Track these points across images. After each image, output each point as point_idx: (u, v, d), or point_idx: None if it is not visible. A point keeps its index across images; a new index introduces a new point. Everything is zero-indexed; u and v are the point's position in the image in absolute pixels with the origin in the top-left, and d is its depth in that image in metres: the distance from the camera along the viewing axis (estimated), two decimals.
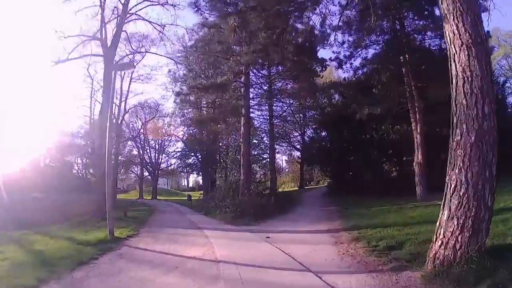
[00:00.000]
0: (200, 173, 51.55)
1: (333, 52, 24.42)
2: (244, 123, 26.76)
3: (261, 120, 37.62)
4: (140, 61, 39.81)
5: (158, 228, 18.35)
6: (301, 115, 45.83)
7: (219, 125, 31.16)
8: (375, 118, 23.81)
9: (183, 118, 44.62)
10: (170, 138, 57.41)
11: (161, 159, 64.55)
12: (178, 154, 54.58)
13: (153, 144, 63.55)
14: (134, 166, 68.91)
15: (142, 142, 63.46)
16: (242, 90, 27.64)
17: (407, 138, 23.35)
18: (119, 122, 38.63)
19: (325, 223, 16.05)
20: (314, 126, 42.25)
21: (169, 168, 67.25)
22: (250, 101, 28.68)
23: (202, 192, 39.48)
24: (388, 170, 30.35)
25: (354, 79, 24.88)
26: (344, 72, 27.26)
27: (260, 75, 33.41)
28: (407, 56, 21.58)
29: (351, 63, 23.87)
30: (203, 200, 33.32)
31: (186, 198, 44.24)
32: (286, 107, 39.04)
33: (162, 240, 13.97)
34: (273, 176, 34.91)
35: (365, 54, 23.59)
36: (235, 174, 28.77)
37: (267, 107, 34.91)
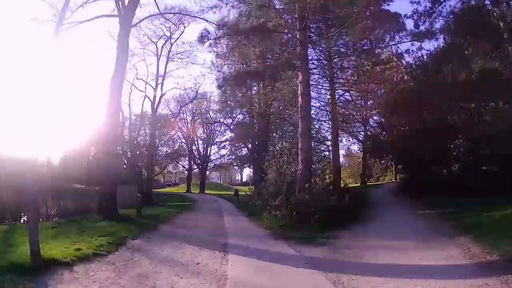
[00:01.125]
0: (252, 166, 44.38)
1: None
2: (302, 93, 18.98)
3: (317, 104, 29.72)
4: (176, 37, 33.41)
5: (160, 240, 11.14)
6: (362, 102, 36.93)
7: (268, 90, 23.62)
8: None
9: (229, 103, 37.60)
10: (218, 126, 50.96)
11: (210, 151, 58.55)
12: (228, 143, 47.76)
13: (201, 135, 57.76)
14: (182, 158, 63.74)
15: (189, 133, 58.06)
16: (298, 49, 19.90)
17: None
18: (155, 106, 32.52)
19: (445, 245, 9.29)
20: (379, 111, 33.06)
21: (219, 160, 61.00)
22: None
23: (250, 187, 32.20)
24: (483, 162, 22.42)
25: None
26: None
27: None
28: None
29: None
30: (250, 196, 25.98)
31: (233, 193, 37.22)
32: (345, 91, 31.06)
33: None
34: (337, 167, 26.92)
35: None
36: (291, 163, 20.96)
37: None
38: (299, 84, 19.90)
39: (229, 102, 32.76)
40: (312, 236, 11.39)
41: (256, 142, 37.14)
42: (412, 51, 23.16)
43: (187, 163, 62.08)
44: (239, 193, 33.49)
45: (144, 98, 33.48)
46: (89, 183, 42.20)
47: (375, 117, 37.63)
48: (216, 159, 59.98)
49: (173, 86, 38.10)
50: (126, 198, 21.82)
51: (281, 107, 33.58)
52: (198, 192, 55.50)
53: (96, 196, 17.94)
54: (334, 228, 12.53)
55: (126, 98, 32.58)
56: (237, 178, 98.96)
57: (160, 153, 63.33)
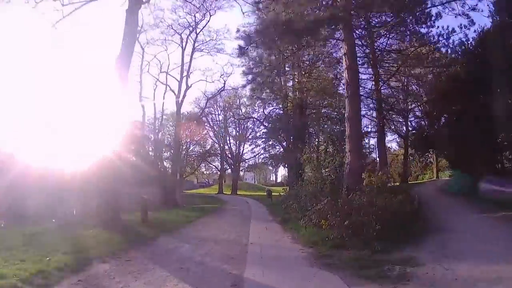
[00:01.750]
0: (286, 165, 40.05)
1: None
2: (347, 66, 14.71)
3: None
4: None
5: (141, 265, 7.04)
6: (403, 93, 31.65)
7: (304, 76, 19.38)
8: None
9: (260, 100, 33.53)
10: (250, 123, 46.98)
11: (242, 150, 54.85)
12: (261, 141, 43.58)
13: (232, 133, 54.16)
14: (214, 158, 60.52)
15: (220, 130, 54.67)
16: None
17: None
18: (179, 100, 28.96)
19: None
20: (425, 100, 27.85)
21: (253, 160, 57.12)
22: None
23: (285, 187, 27.90)
24: None
25: None
26: None
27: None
28: None
29: None
30: (285, 198, 21.74)
31: (266, 193, 33.07)
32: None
33: None
34: (383, 162, 22.58)
35: None
36: (334, 157, 16.51)
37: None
38: (343, 57, 15.67)
39: (259, 90, 28.68)
40: (377, 260, 7.14)
41: (292, 138, 32.93)
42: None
43: (219, 163, 58.80)
44: (273, 194, 29.50)
45: (165, 90, 30.15)
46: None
47: (417, 110, 32.49)
48: (250, 158, 56.25)
49: (199, 79, 31.11)
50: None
51: (317, 101, 29.26)
52: (230, 193, 52.01)
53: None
54: (403, 243, 8.40)
55: (150, 94, 29.54)
56: (271, 179, 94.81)
57: (192, 153, 60.69)
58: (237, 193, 51.98)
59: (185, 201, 33.82)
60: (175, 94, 29.14)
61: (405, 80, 29.66)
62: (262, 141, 41.35)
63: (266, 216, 18.27)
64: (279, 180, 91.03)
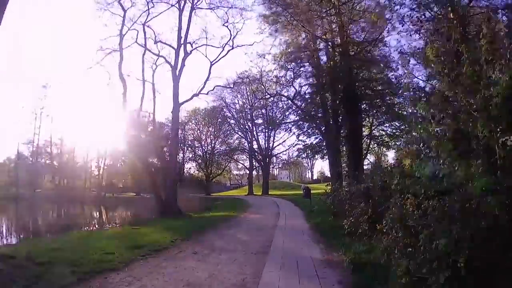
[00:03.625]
0: (327, 156, 30.81)
1: None
2: None
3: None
4: None
5: None
6: None
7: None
8: None
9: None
10: (277, 108, 38.04)
11: (272, 143, 46.28)
12: (293, 126, 34.39)
13: (262, 126, 45.75)
14: (242, 156, 52.65)
15: (245, 122, 46.54)
16: None
17: None
18: (177, 71, 20.67)
19: None
20: None
21: (285, 153, 48.31)
22: None
23: (328, 184, 18.72)
24: None
25: None
26: None
27: None
28: None
29: None
30: (331, 200, 12.85)
31: (302, 192, 23.99)
32: None
33: None
34: None
35: None
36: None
37: None
38: None
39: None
40: None
41: (331, 119, 24.06)
42: None
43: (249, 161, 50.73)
44: (312, 192, 20.79)
45: (155, 66, 21.86)
46: None
47: None
48: (281, 152, 47.61)
49: (202, 43, 20.65)
50: None
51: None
52: (260, 193, 43.70)
53: None
54: None
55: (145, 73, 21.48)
56: (307, 176, 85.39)
57: (217, 152, 53.12)
58: (269, 193, 43.55)
59: (196, 207, 26.04)
60: (171, 65, 21.13)
61: None
62: (294, 126, 32.28)
63: (302, 231, 10.10)
64: (315, 177, 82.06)
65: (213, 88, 22.78)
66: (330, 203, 11.58)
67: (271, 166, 56.68)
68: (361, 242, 6.51)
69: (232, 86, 25.05)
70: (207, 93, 22.50)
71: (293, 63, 21.69)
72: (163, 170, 21.32)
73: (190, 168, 60.54)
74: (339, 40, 16.93)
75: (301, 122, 29.93)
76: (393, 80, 19.62)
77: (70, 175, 57.08)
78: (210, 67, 21.70)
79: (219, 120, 49.64)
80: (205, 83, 21.51)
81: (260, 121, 44.57)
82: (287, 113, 31.10)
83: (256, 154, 46.85)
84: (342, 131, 24.24)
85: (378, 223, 4.76)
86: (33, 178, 50.14)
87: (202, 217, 16.54)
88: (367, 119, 22.54)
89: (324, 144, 29.87)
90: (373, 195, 7.29)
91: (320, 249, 7.45)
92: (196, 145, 55.50)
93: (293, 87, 25.01)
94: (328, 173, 77.82)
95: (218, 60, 21.81)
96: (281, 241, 8.48)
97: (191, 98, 21.47)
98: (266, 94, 26.87)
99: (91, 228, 16.58)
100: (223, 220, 14.18)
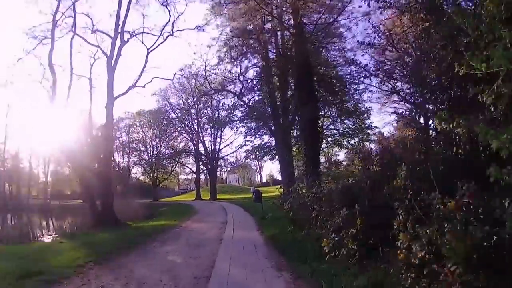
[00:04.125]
0: (277, 157, 29.18)
1: None
2: None
3: None
4: None
5: None
6: None
7: None
8: None
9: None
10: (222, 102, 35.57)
11: (219, 146, 43.91)
12: (240, 125, 32.28)
13: (207, 126, 43.22)
14: (188, 159, 49.75)
15: (193, 125, 43.85)
16: None
17: None
18: (113, 61, 17.82)
19: None
20: None
21: (233, 155, 46.14)
22: None
23: (280, 186, 16.88)
24: None
25: None
26: None
27: None
28: None
29: None
30: (289, 204, 10.92)
31: (252, 196, 21.94)
32: None
33: None
34: None
35: None
36: None
37: None
38: None
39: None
40: None
41: (280, 115, 22.49)
42: None
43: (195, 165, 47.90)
44: (261, 195, 18.98)
45: (94, 60, 18.95)
46: None
47: None
48: (228, 154, 45.42)
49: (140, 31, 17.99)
50: None
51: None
52: (208, 198, 41.16)
53: None
54: None
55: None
56: (256, 179, 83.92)
57: (163, 156, 49.61)
58: (217, 197, 41.18)
59: (140, 214, 23.22)
60: (106, 55, 18.25)
61: None
62: (242, 125, 30.12)
63: (260, 257, 7.07)
64: (264, 180, 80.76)
65: (151, 80, 19.98)
66: (288, 209, 9.72)
67: (218, 170, 54.41)
68: (348, 269, 4.57)
69: (171, 78, 22.15)
70: (144, 86, 19.76)
71: (240, 46, 19.63)
72: (100, 175, 18.28)
73: (136, 173, 56.40)
74: (293, 22, 15.18)
75: (248, 120, 28.07)
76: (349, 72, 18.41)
77: (15, 181, 52.32)
78: (147, 55, 19.34)
79: (164, 122, 46.31)
80: (141, 72, 18.95)
81: (205, 120, 41.93)
82: (234, 112, 28.96)
83: (202, 157, 44.24)
84: (293, 127, 22.80)
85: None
86: None
87: (139, 228, 14.16)
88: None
89: (274, 143, 28.33)
90: (361, 197, 5.36)
91: (286, 282, 5.04)
92: (142, 148, 51.74)
93: (240, 81, 23.10)
94: (278, 176, 77.30)
95: (156, 47, 19.58)
96: (226, 267, 6.13)
97: (127, 91, 18.73)
98: (211, 90, 24.52)
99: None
100: (161, 231, 11.85)
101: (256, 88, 23.79)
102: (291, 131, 22.97)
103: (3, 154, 48.80)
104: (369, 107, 24.92)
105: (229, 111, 28.79)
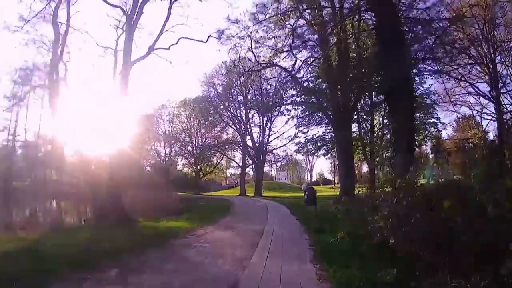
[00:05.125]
0: (335, 149, 23.49)
1: None
2: None
3: None
4: None
5: None
6: None
7: None
8: None
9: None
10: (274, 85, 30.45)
11: (268, 137, 39.05)
12: (293, 108, 26.77)
13: (254, 117, 38.67)
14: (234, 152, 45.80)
15: (239, 113, 39.54)
16: None
17: None
18: (133, 20, 13.65)
19: None
20: None
21: (283, 150, 41.10)
22: None
23: (335, 184, 11.66)
24: None
25: None
26: None
27: None
28: None
29: None
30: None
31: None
32: None
33: None
34: None
35: None
36: None
37: None
38: None
39: None
40: None
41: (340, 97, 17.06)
42: None
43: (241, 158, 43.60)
44: (316, 194, 13.87)
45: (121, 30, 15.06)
46: None
47: None
48: (278, 148, 40.49)
49: None
50: None
51: None
52: (253, 194, 36.56)
53: None
54: None
55: None
56: (306, 178, 77.89)
57: (208, 147, 45.93)
58: (263, 194, 36.45)
59: (168, 209, 19.08)
60: (126, 14, 14.20)
61: None
62: (295, 107, 24.73)
63: None
64: (314, 179, 74.54)
65: (177, 41, 15.48)
66: (377, 223, 4.57)
67: (267, 165, 49.82)
68: None
69: (204, 40, 17.23)
70: (169, 48, 15.27)
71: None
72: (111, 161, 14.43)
73: (181, 166, 53.76)
74: None
75: (302, 106, 22.71)
76: None
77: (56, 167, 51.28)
78: (170, 6, 14.66)
79: (211, 111, 42.48)
80: (162, 28, 14.42)
81: (251, 104, 37.10)
82: (286, 91, 23.56)
83: (249, 149, 39.73)
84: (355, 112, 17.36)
85: None
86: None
87: (145, 228, 10.25)
88: None
89: (331, 134, 22.92)
90: None
91: None
92: (186, 140, 48.62)
93: (293, 55, 17.91)
94: (328, 176, 70.80)
95: None
96: None
97: (148, 53, 14.34)
98: (257, 64, 19.52)
99: None
100: (163, 239, 7.53)
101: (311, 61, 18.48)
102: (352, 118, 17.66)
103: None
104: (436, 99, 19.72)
105: (280, 90, 23.16)
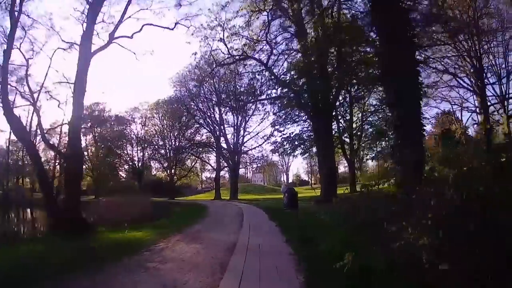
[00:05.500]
0: (314, 147, 22.35)
1: None
2: None
3: None
4: None
5: None
6: None
7: None
8: None
9: None
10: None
11: (242, 138, 37.63)
12: (269, 104, 25.34)
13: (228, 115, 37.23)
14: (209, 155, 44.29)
15: (213, 113, 38.14)
16: None
17: None
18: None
19: None
20: None
21: (258, 149, 39.78)
22: None
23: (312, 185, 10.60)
24: None
25: None
26: None
27: None
28: None
29: None
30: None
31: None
32: None
33: None
34: None
35: None
36: None
37: None
38: None
39: None
40: None
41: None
42: None
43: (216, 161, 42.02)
44: (296, 195, 12.74)
45: None
46: None
47: None
48: (253, 148, 39.20)
49: None
50: None
51: None
52: (228, 198, 35.08)
53: None
54: None
55: None
56: (283, 179, 77.03)
57: (180, 147, 43.95)
58: (238, 197, 35.05)
59: (139, 216, 17.27)
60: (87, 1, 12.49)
61: None
62: (273, 106, 23.44)
63: None
64: (290, 180, 73.77)
65: (141, 29, 13.90)
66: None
67: (243, 168, 48.57)
68: None
69: (171, 28, 15.50)
70: (131, 36, 13.63)
71: None
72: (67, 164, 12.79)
73: (154, 170, 51.62)
74: None
75: (278, 103, 21.41)
76: None
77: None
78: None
79: (184, 113, 40.67)
80: (124, 13, 12.79)
81: (227, 110, 35.64)
82: (261, 86, 22.20)
83: (224, 151, 38.23)
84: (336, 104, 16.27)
85: None
86: None
87: (102, 240, 8.70)
88: None
89: (310, 132, 21.84)
90: None
91: None
92: (160, 143, 46.65)
93: (268, 44, 16.74)
94: (305, 177, 70.14)
95: None
96: None
97: (109, 43, 12.66)
98: (230, 57, 18.14)
99: None
100: (117, 255, 5.87)
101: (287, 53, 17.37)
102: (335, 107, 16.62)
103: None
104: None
105: (254, 85, 21.78)
